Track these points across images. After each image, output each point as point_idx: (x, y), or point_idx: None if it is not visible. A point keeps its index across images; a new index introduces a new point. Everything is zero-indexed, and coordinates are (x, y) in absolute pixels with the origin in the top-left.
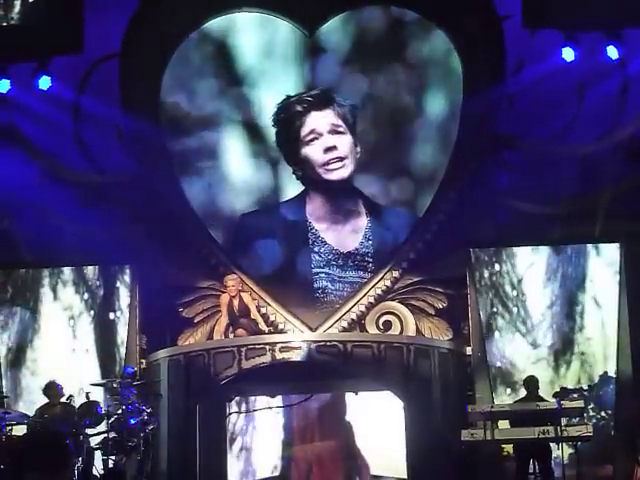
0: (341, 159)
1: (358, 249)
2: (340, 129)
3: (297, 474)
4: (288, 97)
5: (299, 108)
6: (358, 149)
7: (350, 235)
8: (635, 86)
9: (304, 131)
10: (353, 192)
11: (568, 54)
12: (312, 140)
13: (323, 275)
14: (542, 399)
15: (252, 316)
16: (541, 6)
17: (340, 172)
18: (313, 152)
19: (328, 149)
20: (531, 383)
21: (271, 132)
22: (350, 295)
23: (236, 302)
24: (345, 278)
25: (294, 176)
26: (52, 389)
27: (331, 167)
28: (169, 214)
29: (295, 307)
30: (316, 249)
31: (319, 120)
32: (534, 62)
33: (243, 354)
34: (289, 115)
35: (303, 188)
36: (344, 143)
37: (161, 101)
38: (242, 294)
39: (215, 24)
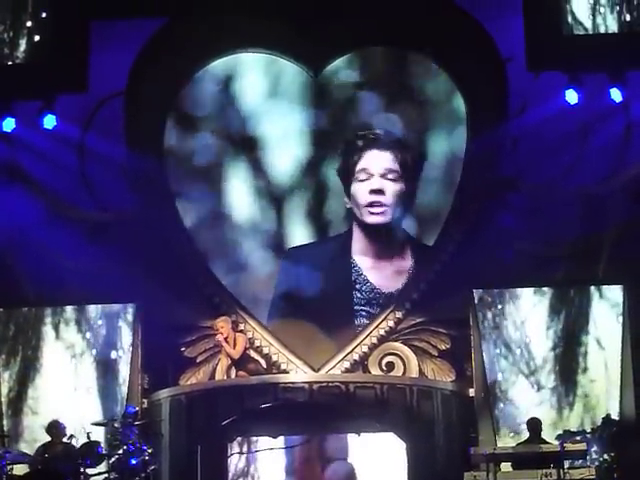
0: (383, 205)
1: (400, 290)
2: (393, 175)
3: None
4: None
5: (359, 143)
6: (414, 198)
7: (393, 276)
8: (638, 128)
9: (357, 168)
10: (399, 233)
11: (572, 96)
12: (362, 179)
13: (364, 313)
14: (545, 441)
15: (233, 353)
16: (545, 48)
17: (378, 218)
18: (360, 190)
19: (374, 191)
20: (534, 425)
21: (275, 172)
22: (353, 336)
23: (231, 343)
24: None
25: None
26: (55, 428)
27: (372, 210)
28: (172, 252)
29: (298, 347)
30: (358, 287)
31: (374, 160)
32: (537, 104)
33: (245, 394)
34: (349, 148)
35: (346, 227)
36: (392, 189)
37: (165, 140)
38: (237, 334)
39: (220, 64)
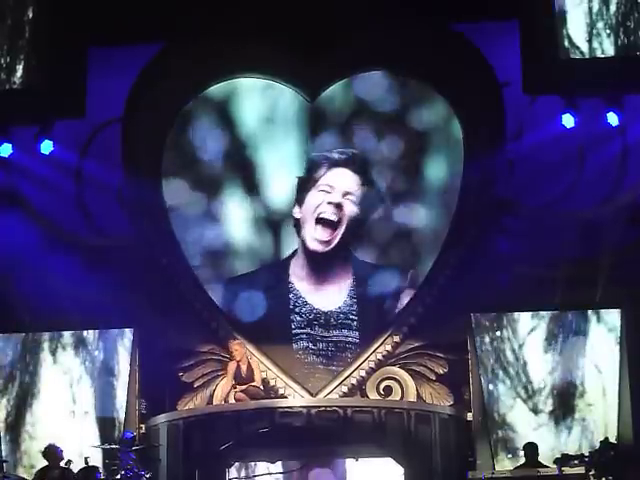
0: (335, 224)
1: (341, 307)
2: (352, 197)
3: None
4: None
5: (335, 156)
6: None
7: (333, 294)
8: (635, 152)
9: (323, 180)
10: (340, 251)
11: (568, 120)
12: (323, 190)
13: (304, 336)
14: (541, 465)
15: (255, 382)
16: (541, 72)
17: (321, 247)
18: (317, 199)
19: (332, 204)
20: (531, 450)
21: (272, 197)
22: (351, 360)
23: (244, 367)
24: (329, 337)
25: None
26: (52, 452)
27: (319, 238)
28: (170, 277)
29: (295, 372)
30: (297, 310)
31: (341, 178)
32: (534, 128)
33: (243, 419)
34: (322, 158)
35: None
36: (349, 209)
37: (163, 165)
38: (250, 360)
39: (217, 89)
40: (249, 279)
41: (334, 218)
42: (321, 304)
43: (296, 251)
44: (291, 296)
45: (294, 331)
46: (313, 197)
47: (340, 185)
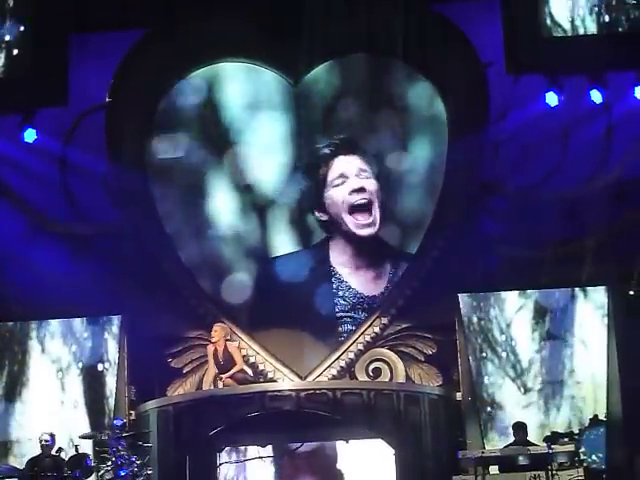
0: (368, 205)
1: (383, 293)
2: (366, 174)
3: None
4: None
5: (326, 151)
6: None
7: (375, 280)
8: (619, 129)
9: (331, 175)
10: (376, 241)
11: (552, 99)
12: (339, 184)
13: (348, 319)
14: (531, 444)
15: (237, 365)
16: (524, 51)
17: (369, 230)
18: (339, 194)
19: (354, 191)
20: (519, 428)
21: (257, 181)
22: (339, 343)
23: (220, 350)
24: None
25: (318, 224)
26: (43, 441)
27: (360, 222)
28: (157, 264)
29: (285, 355)
30: (340, 294)
31: (346, 164)
32: (518, 108)
33: (233, 404)
34: (316, 159)
35: (324, 235)
36: (370, 185)
37: (147, 151)
38: (227, 343)
39: (200, 74)
40: (293, 259)
41: (364, 201)
42: (364, 289)
43: (329, 238)
44: (333, 280)
45: (338, 314)
46: (333, 195)
47: (350, 170)
